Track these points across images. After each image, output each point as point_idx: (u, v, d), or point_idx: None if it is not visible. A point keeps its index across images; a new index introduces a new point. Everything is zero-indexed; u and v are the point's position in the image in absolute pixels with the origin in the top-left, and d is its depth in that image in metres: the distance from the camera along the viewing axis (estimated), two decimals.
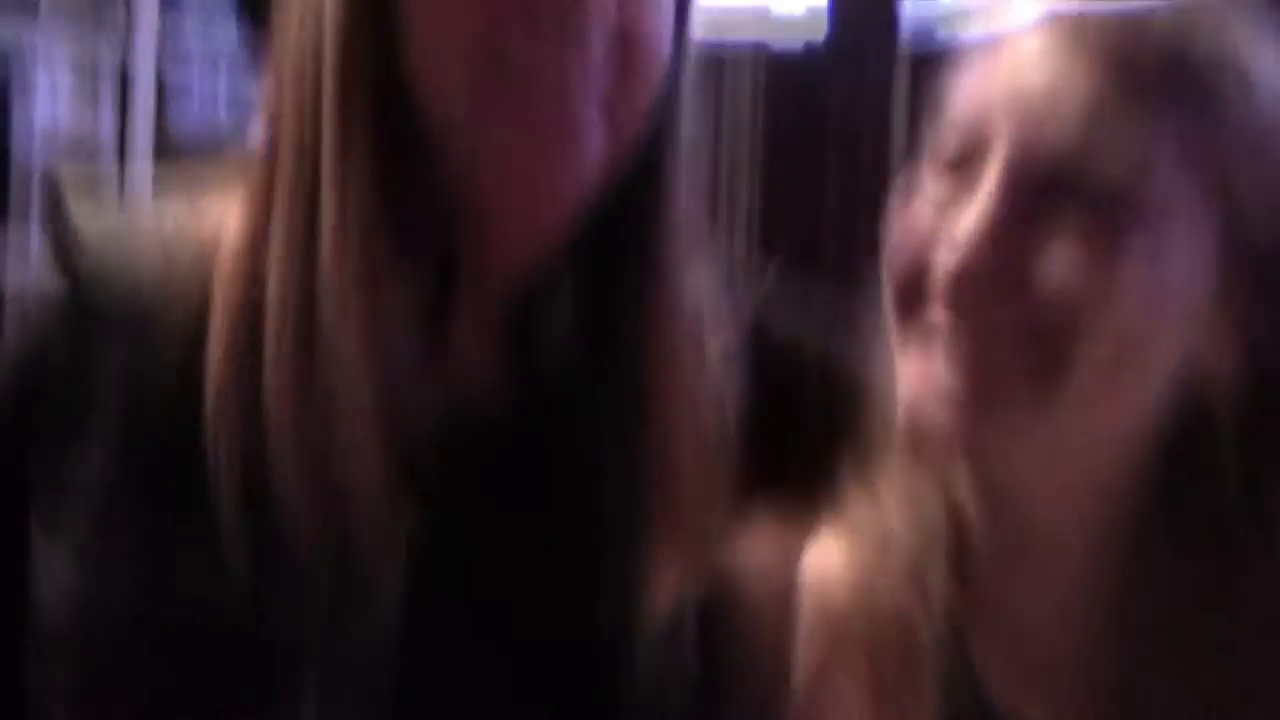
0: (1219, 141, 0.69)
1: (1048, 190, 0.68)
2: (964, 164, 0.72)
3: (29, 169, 3.51)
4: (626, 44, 0.75)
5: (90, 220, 0.82)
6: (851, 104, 3.53)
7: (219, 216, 0.79)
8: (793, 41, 3.32)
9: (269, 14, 0.79)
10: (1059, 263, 0.67)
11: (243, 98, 3.69)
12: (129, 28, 3.35)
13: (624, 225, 0.81)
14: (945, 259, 0.69)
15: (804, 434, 0.85)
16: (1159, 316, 0.68)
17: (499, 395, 0.81)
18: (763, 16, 3.36)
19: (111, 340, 0.76)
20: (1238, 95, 0.69)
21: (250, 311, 0.73)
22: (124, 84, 3.34)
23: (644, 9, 0.76)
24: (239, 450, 0.71)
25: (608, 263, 0.82)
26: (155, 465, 0.74)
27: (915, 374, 0.70)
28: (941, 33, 3.05)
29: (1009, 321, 0.67)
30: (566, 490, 0.80)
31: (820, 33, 3.21)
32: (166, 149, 3.36)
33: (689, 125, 0.83)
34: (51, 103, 3.96)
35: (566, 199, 0.75)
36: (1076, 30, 0.70)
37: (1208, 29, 0.70)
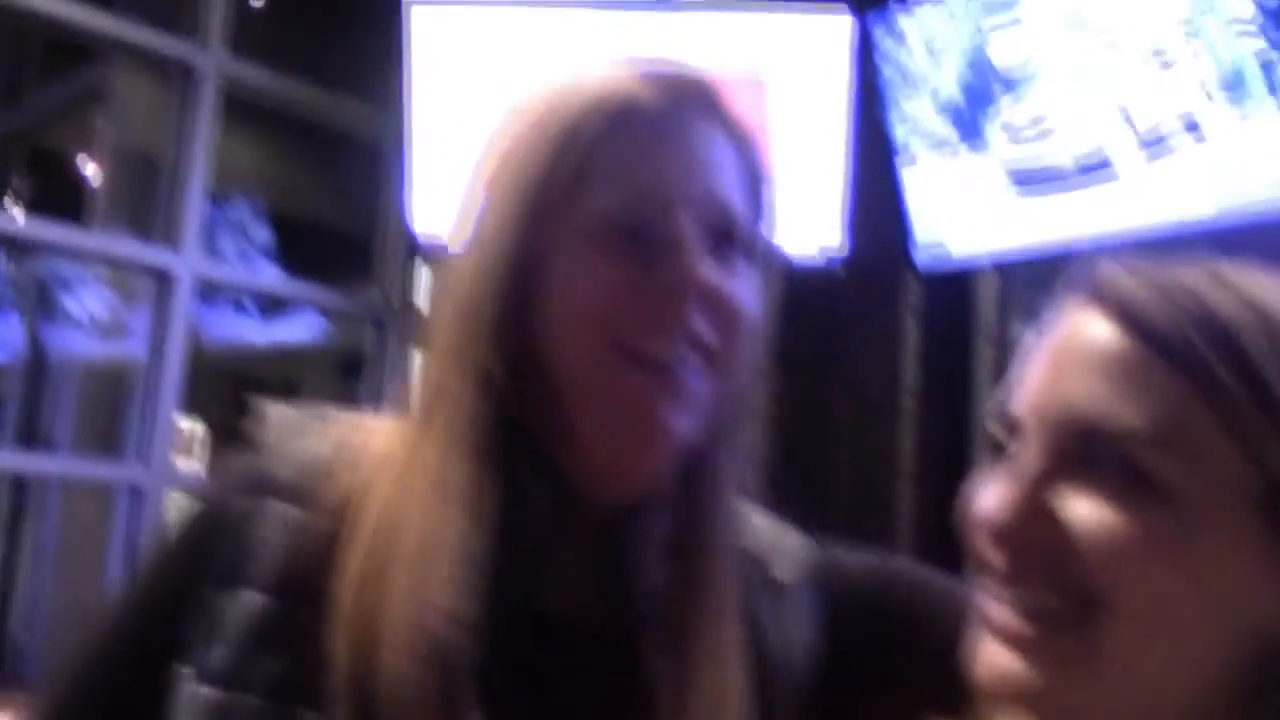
0: (1245, 400, 0.70)
1: (1080, 448, 0.72)
2: (1013, 430, 0.78)
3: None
4: (724, 317, 0.86)
5: (272, 406, 0.94)
6: (865, 320, 3.54)
7: (372, 435, 0.91)
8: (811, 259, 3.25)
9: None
10: (1091, 520, 0.70)
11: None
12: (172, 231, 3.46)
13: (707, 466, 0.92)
14: (986, 513, 0.74)
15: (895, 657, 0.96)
16: (1194, 571, 0.69)
17: (590, 610, 0.89)
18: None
19: (278, 504, 0.87)
20: (1261, 355, 0.70)
21: (384, 522, 0.84)
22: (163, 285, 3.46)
23: (736, 294, 0.87)
24: (354, 634, 0.81)
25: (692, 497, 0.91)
26: (289, 628, 0.83)
27: (984, 618, 0.75)
28: (951, 254, 3.20)
29: (1049, 574, 0.71)
30: (627, 704, 0.86)
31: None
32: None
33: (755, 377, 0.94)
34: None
35: (661, 459, 0.86)
36: (1106, 293, 0.75)
37: (1229, 287, 0.73)
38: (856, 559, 1.03)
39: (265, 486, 0.88)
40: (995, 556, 0.74)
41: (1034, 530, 0.72)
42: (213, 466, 0.93)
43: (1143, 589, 0.69)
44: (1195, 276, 0.74)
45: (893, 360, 3.54)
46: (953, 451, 3.61)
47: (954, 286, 3.54)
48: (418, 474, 0.85)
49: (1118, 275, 0.76)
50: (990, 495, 0.75)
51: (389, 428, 0.92)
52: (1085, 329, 0.75)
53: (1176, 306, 0.72)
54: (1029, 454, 0.74)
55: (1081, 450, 0.72)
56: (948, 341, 3.59)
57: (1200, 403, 0.70)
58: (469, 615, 0.80)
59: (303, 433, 0.91)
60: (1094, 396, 0.72)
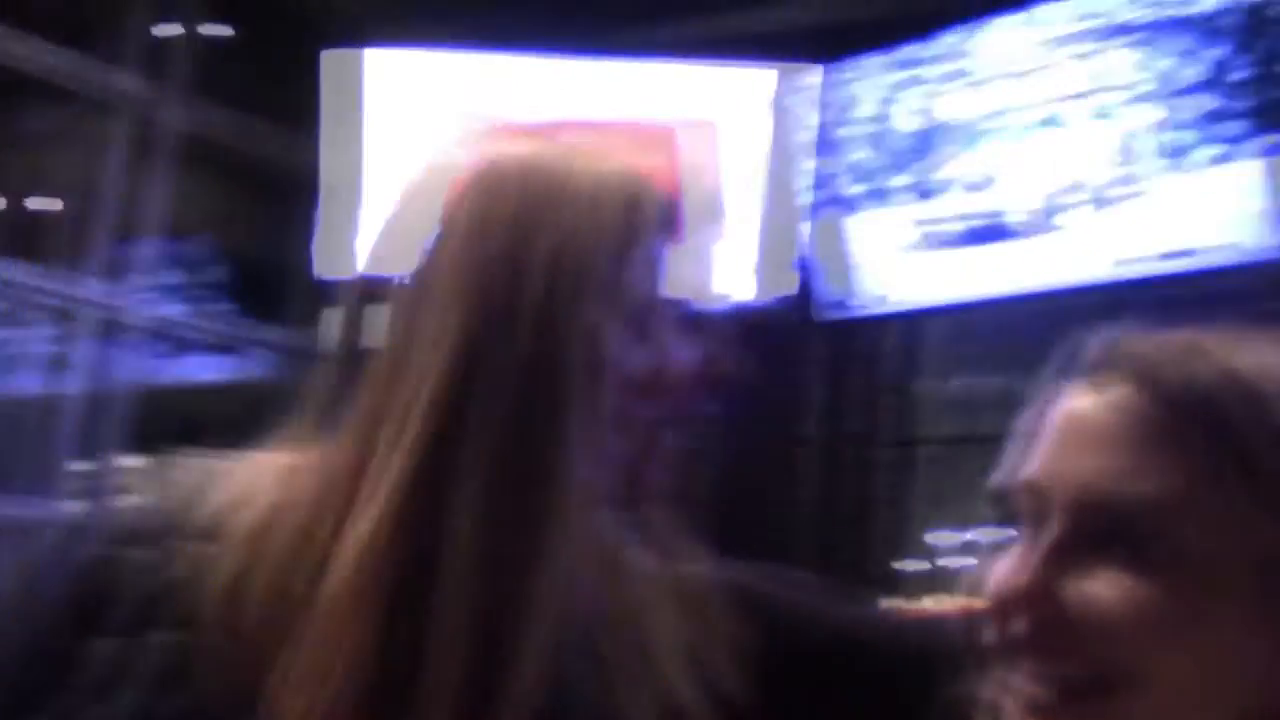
0: (1272, 462, 0.69)
1: (1100, 518, 0.71)
2: (1030, 501, 0.77)
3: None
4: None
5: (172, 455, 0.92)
6: (769, 369, 3.17)
7: (276, 470, 0.89)
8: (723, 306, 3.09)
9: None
10: (1113, 590, 0.70)
11: None
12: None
13: None
14: (1006, 584, 0.73)
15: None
16: (1220, 639, 0.69)
17: None
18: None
19: (186, 545, 0.84)
20: (1255, 425, 0.69)
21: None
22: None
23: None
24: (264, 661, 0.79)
25: None
26: (202, 661, 0.81)
27: (1009, 691, 0.74)
28: (853, 304, 3.26)
29: (1072, 645, 0.71)
30: None
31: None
32: None
33: None
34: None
35: None
36: (1121, 358, 0.74)
37: (1246, 350, 0.72)
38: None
39: (170, 533, 0.85)
40: (1017, 628, 0.73)
41: (1056, 601, 0.71)
42: (101, 519, 0.91)
43: (1169, 659, 0.69)
44: (1211, 340, 0.73)
45: (795, 409, 3.59)
46: (851, 501, 3.66)
47: (857, 337, 3.60)
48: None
49: (1133, 340, 0.75)
50: (1009, 567, 0.74)
51: (291, 460, 0.90)
52: (1100, 395, 0.74)
53: (1197, 369, 0.71)
54: (1048, 524, 0.73)
55: (1101, 520, 0.71)
56: (850, 392, 3.64)
57: (1225, 466, 0.69)
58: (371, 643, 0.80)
59: (207, 478, 0.89)
60: (1112, 464, 0.71)
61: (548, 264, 0.84)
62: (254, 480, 0.89)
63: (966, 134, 3.03)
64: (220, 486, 0.88)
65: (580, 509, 0.85)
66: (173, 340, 4.90)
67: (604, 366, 0.86)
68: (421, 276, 0.88)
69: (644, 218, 0.88)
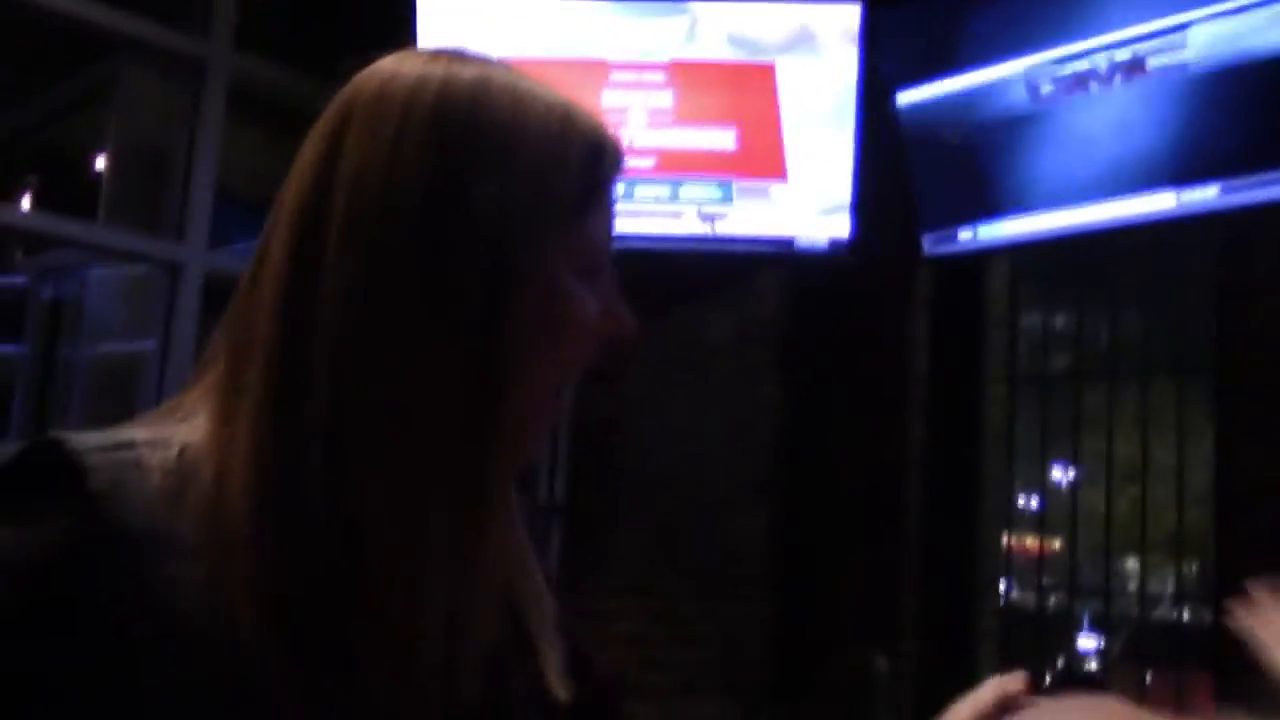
0: None
1: None
2: None
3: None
4: None
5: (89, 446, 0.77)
6: (873, 304, 3.53)
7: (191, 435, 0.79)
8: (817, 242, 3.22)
9: None
10: None
11: None
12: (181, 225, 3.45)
13: None
14: None
15: None
16: None
17: None
18: (787, 247, 3.23)
19: (130, 559, 0.74)
20: None
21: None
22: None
23: None
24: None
25: None
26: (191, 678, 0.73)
27: None
28: (958, 238, 3.19)
29: None
30: None
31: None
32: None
33: None
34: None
35: None
36: None
37: None
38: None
39: (111, 538, 0.75)
40: None
41: None
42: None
43: None
44: None
45: (901, 348, 3.56)
46: (961, 438, 3.62)
47: (963, 274, 3.55)
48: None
49: None
50: None
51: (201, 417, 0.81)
52: None
53: None
54: None
55: None
56: (957, 330, 3.60)
57: None
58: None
59: (123, 464, 0.78)
60: None
61: (499, 209, 0.78)
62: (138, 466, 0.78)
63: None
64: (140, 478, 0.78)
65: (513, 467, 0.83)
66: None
67: (562, 317, 0.81)
68: (298, 203, 0.81)
69: (604, 161, 0.84)
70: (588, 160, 0.82)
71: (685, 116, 3.33)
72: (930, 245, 3.24)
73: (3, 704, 0.73)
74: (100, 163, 4.24)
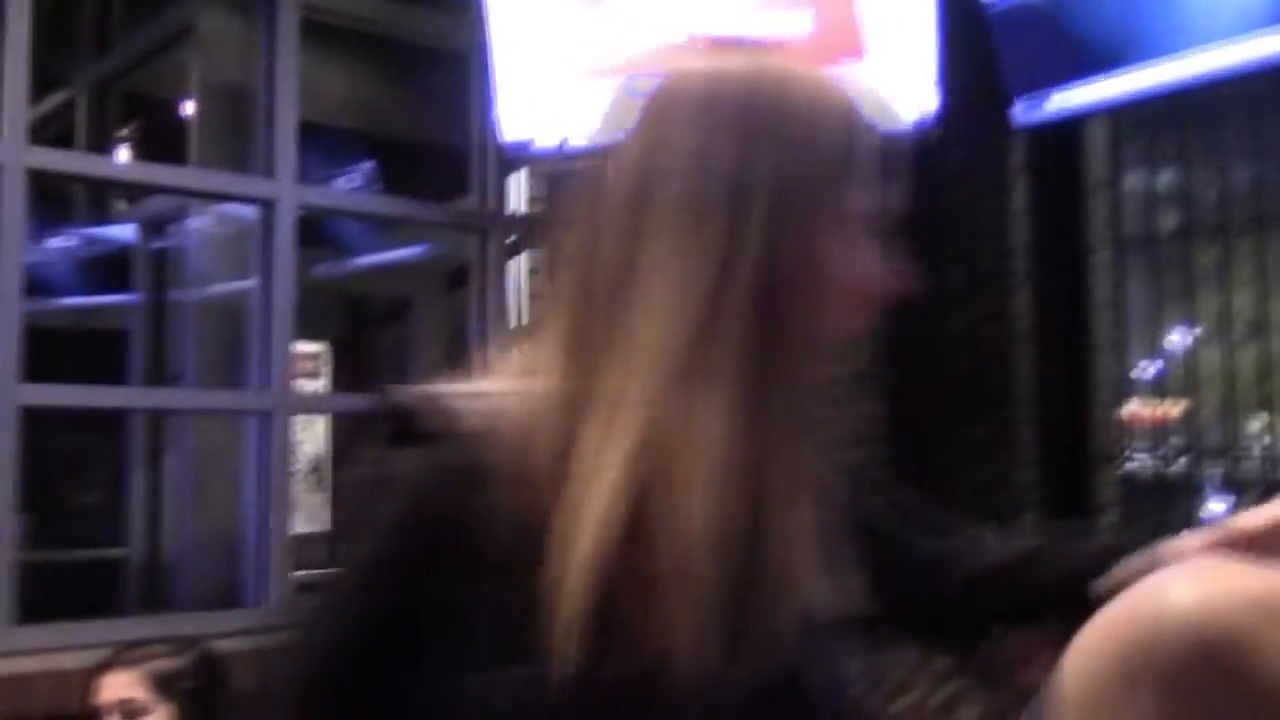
0: None
1: None
2: None
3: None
4: None
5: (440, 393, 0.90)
6: (967, 179, 3.40)
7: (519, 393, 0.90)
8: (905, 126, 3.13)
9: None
10: None
11: None
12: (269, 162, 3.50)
13: None
14: None
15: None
16: None
17: None
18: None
19: (489, 489, 0.85)
20: None
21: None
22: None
23: None
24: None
25: None
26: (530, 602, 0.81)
27: None
28: (1049, 103, 3.05)
29: None
30: None
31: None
32: None
33: None
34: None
35: None
36: None
37: None
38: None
39: (477, 475, 0.85)
40: None
41: None
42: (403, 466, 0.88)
43: None
44: None
45: (1001, 221, 3.46)
46: (1070, 307, 3.53)
47: (1059, 139, 3.42)
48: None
49: None
50: None
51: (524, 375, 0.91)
52: None
53: None
54: None
55: None
56: (1057, 198, 3.49)
57: None
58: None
59: (479, 413, 0.89)
60: None
61: (773, 189, 0.87)
62: (504, 414, 0.89)
63: None
64: (494, 425, 0.88)
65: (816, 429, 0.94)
66: (341, 226, 5.05)
67: (827, 289, 0.89)
68: (635, 190, 0.89)
69: (861, 136, 0.90)
70: (855, 139, 0.89)
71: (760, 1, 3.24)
72: (1022, 113, 3.13)
73: (400, 586, 0.88)
74: (187, 107, 4.28)
